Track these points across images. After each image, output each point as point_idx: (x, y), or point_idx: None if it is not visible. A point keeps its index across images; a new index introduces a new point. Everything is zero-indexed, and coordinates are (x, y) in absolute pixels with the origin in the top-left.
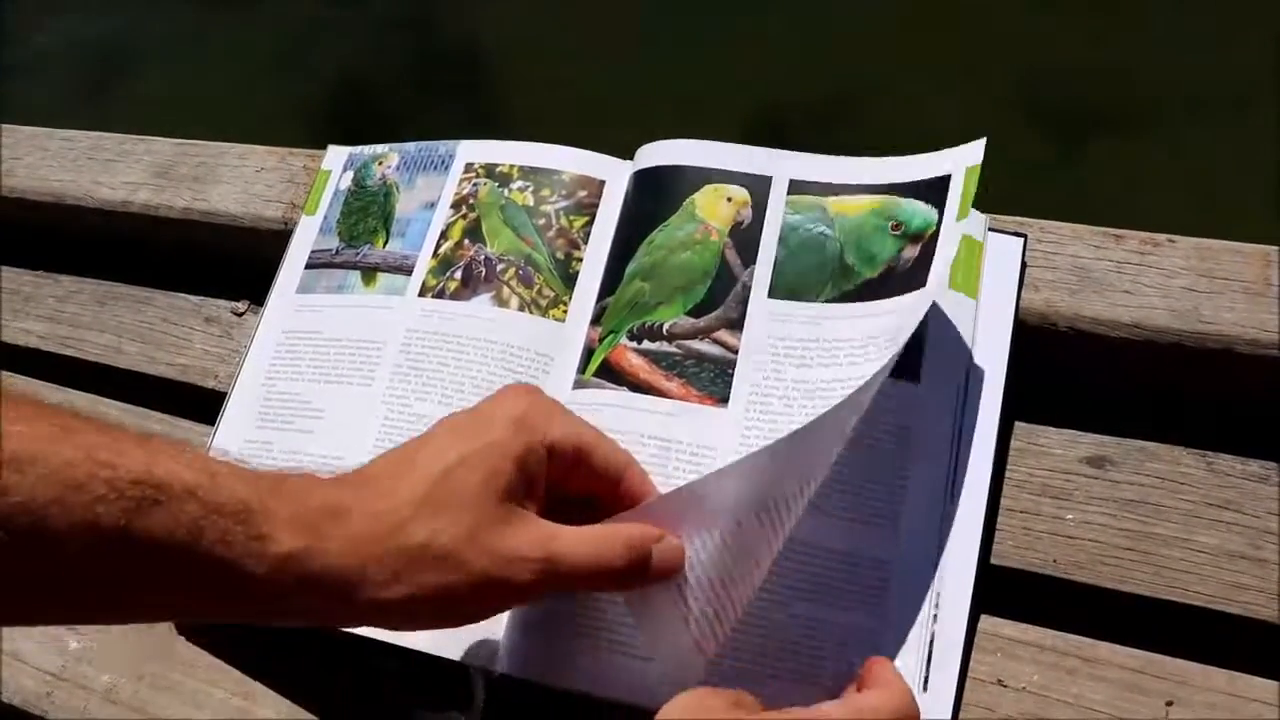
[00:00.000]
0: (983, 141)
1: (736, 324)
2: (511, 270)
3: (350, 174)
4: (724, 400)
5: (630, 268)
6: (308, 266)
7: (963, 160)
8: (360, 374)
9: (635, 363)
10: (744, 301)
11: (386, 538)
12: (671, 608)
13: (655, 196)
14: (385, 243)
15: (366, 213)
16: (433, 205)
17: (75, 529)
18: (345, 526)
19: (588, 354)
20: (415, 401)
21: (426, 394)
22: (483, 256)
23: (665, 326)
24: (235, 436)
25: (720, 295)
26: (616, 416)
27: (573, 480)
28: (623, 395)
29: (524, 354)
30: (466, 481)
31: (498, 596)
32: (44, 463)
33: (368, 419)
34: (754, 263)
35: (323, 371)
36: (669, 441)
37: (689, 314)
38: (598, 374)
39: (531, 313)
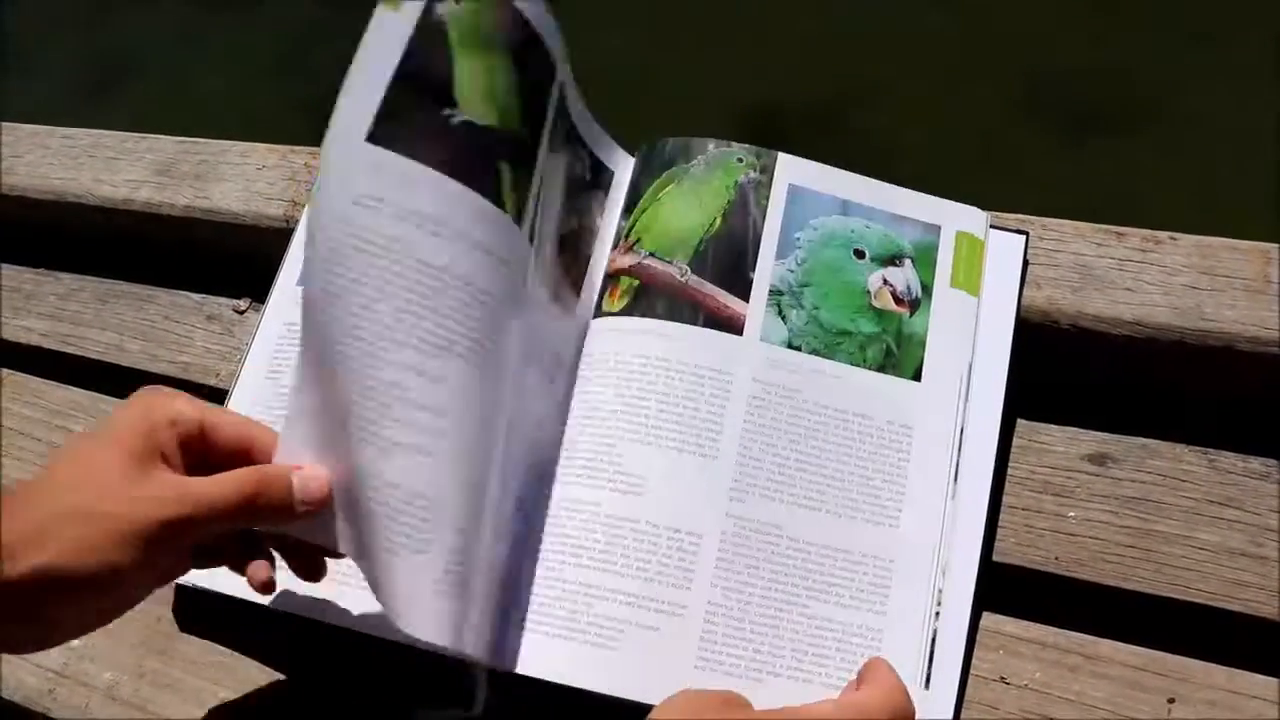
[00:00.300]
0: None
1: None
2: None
3: None
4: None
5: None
6: None
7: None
8: None
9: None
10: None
11: (33, 510)
12: (375, 536)
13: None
14: None
15: None
16: None
17: None
18: (6, 517)
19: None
20: None
21: None
22: None
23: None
24: None
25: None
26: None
27: (212, 455)
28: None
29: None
30: (99, 453)
31: (142, 542)
32: None
33: None
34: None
35: None
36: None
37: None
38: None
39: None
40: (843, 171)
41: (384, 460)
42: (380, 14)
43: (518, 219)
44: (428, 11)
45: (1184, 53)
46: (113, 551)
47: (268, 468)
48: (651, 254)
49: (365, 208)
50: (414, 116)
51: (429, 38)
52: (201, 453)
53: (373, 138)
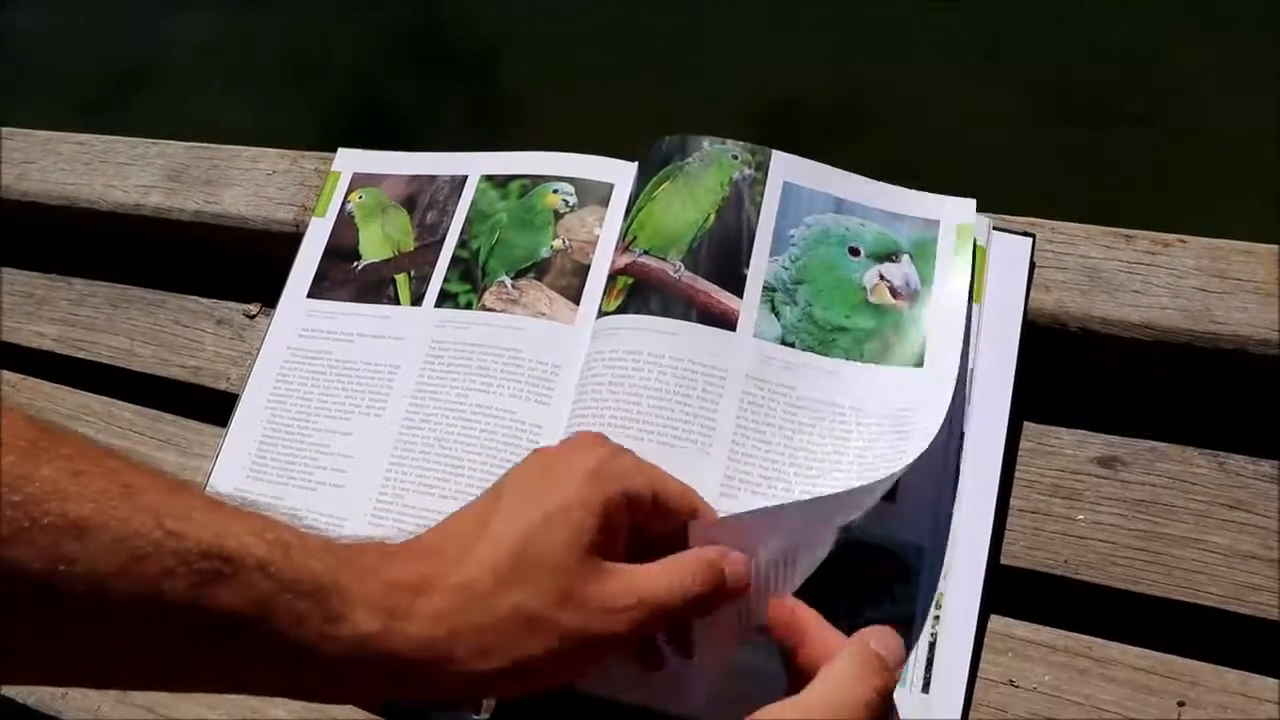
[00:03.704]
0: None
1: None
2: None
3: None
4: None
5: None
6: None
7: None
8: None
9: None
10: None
11: (472, 610)
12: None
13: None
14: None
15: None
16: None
17: (138, 601)
18: (426, 603)
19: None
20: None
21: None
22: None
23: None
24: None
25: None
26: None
27: (650, 524)
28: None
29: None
30: (550, 542)
31: (594, 651)
32: (107, 530)
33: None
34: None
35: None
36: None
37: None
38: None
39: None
40: (838, 170)
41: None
42: (312, 221)
43: (417, 301)
44: (340, 212)
45: (1197, 52)
46: (561, 662)
47: (710, 560)
48: (646, 251)
49: (305, 336)
50: (333, 274)
51: (342, 225)
52: (646, 519)
53: (310, 294)
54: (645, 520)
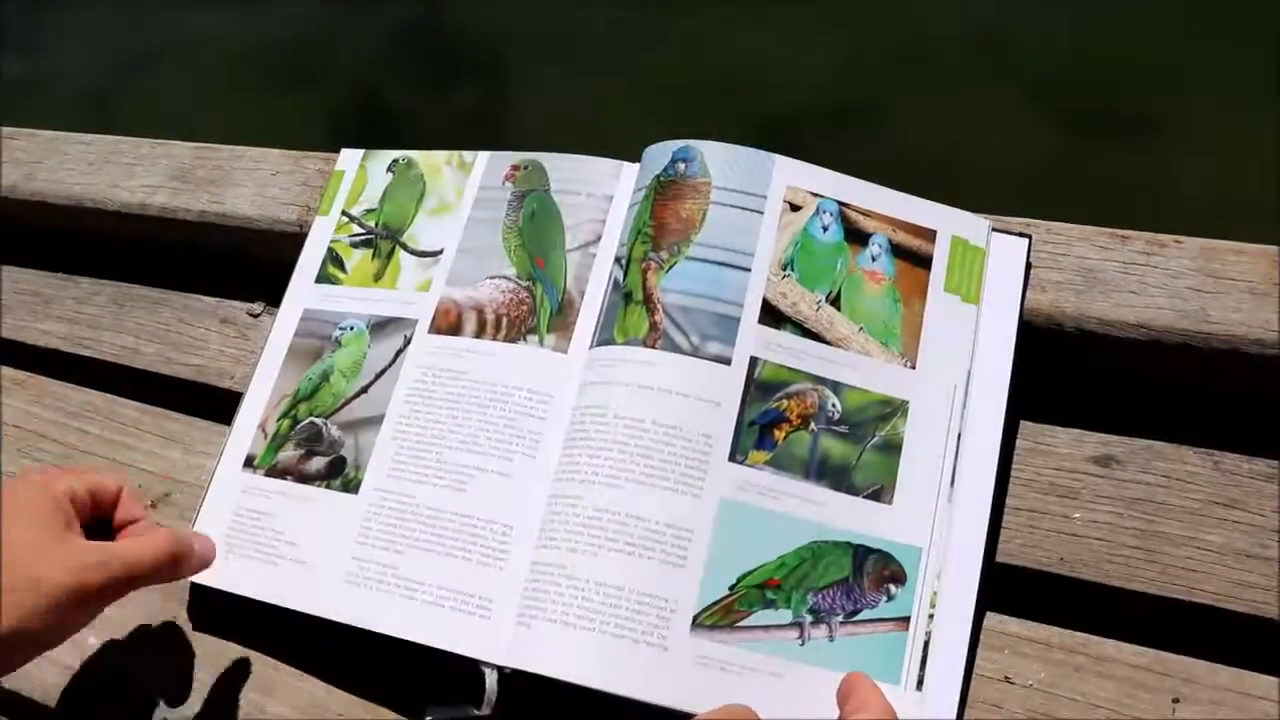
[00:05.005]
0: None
1: None
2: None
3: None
4: None
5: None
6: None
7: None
8: None
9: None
10: None
11: None
12: None
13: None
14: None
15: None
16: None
17: None
18: None
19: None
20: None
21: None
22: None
23: None
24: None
25: None
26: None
27: (101, 512)
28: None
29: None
30: (22, 531)
31: (82, 605)
32: None
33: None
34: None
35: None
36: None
37: None
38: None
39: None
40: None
41: None
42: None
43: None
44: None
45: (1191, 56)
46: (57, 614)
47: (179, 534)
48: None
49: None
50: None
51: None
52: (93, 514)
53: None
54: (90, 510)
